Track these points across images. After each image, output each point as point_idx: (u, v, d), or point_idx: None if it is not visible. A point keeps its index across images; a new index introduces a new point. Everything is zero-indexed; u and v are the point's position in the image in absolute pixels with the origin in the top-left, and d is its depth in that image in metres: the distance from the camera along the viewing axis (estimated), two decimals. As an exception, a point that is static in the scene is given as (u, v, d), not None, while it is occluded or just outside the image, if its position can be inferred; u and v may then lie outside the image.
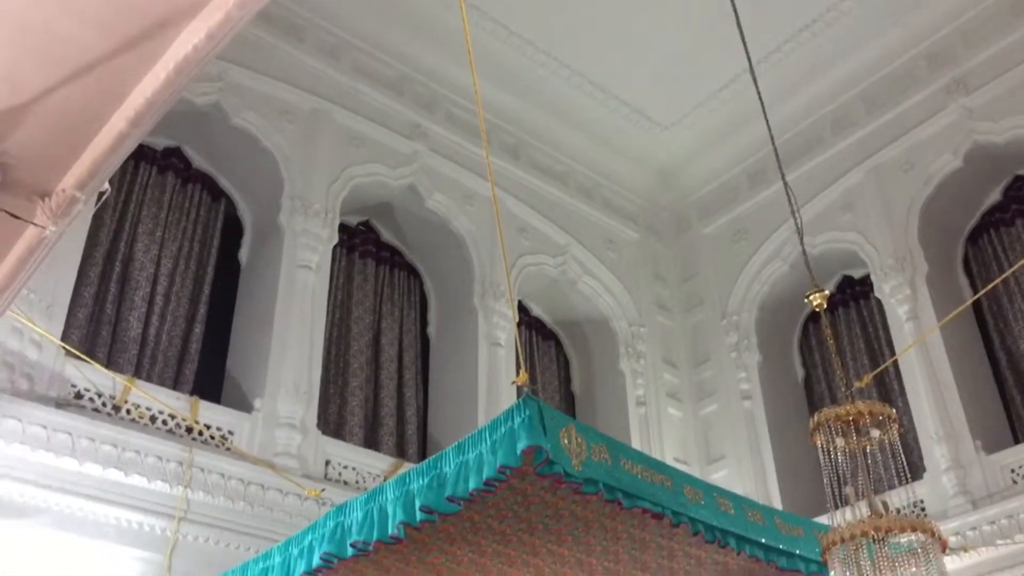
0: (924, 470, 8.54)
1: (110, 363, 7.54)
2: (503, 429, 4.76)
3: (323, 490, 7.47)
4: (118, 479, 6.75)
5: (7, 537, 6.22)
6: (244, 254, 9.33)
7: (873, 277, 9.80)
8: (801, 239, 6.06)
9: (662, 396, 10.81)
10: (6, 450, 6.35)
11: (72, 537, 6.45)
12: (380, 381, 9.76)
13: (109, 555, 6.57)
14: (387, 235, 10.50)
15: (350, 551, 5.33)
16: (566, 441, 4.72)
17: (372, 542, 5.22)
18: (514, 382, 5.04)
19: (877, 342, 10.08)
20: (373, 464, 8.52)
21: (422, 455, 9.13)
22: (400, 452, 9.29)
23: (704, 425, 10.77)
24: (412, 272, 10.60)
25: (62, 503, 6.48)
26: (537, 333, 11.21)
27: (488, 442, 4.81)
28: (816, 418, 4.88)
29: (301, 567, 5.64)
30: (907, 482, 4.94)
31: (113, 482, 6.72)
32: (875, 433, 4.75)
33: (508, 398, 8.70)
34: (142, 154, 8.79)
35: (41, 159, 3.47)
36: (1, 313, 4.23)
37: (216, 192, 9.39)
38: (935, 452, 8.53)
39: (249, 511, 7.30)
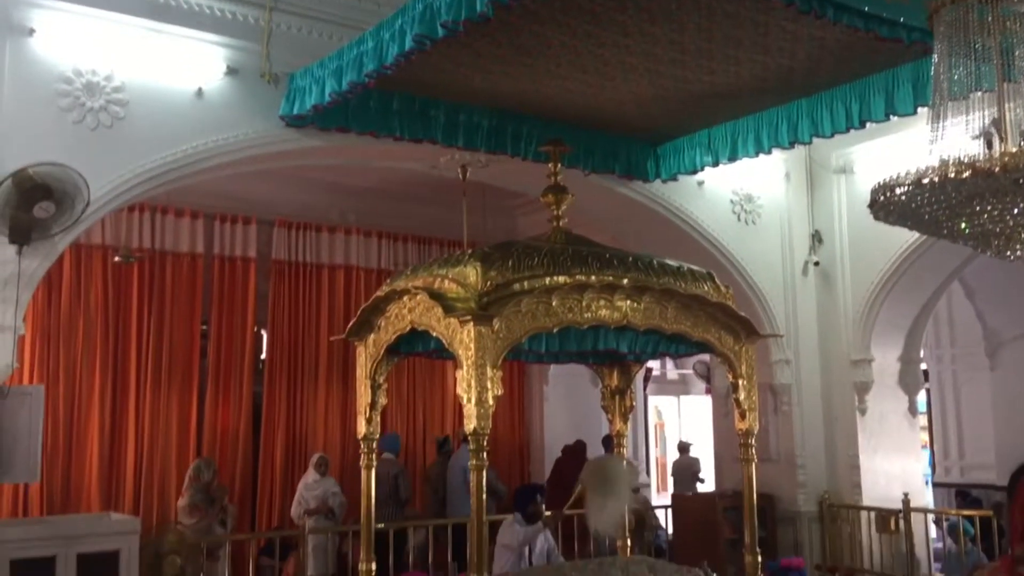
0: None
1: None
2: None
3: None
4: (203, -31, 6.68)
5: (111, 36, 6.39)
6: None
7: None
8: None
9: None
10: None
11: (170, 27, 6.55)
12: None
13: (207, 43, 6.71)
14: None
15: (440, 31, 5.34)
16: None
17: (461, 21, 5.20)
18: None
19: None
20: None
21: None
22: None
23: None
24: None
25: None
26: None
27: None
28: None
29: (394, 50, 5.71)
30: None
31: (198, -28, 6.67)
32: None
33: None
34: None
35: None
36: None
37: None
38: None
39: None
